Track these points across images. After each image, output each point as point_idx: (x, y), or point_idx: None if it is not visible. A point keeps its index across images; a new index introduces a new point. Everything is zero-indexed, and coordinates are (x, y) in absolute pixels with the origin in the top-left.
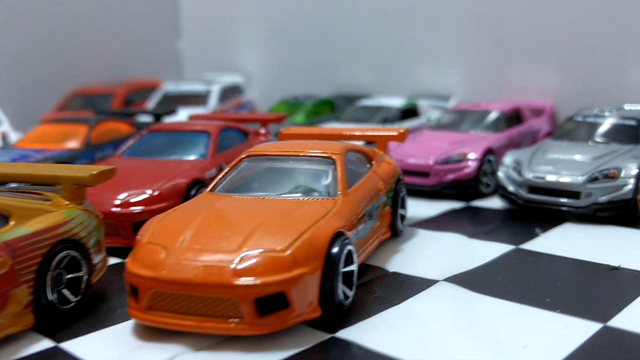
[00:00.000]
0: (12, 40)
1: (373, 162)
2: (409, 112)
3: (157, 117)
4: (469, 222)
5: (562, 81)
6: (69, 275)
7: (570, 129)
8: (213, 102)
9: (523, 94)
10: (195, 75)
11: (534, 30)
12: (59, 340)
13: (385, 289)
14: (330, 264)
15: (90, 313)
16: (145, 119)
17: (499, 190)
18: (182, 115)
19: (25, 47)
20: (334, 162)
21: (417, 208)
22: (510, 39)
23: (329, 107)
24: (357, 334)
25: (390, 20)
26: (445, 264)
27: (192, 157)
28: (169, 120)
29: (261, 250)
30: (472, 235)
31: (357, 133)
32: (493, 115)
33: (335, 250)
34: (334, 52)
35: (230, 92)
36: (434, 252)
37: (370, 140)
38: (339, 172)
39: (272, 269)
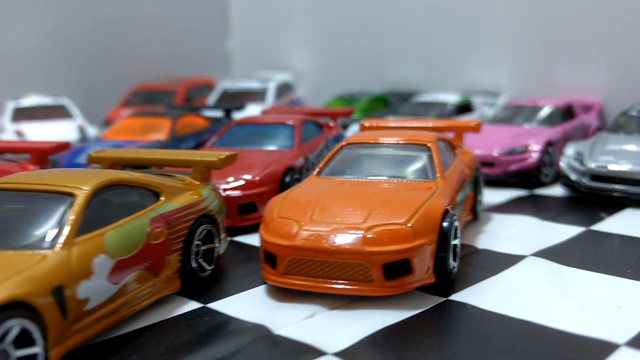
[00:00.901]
0: (78, 42)
1: (456, 151)
2: (464, 107)
3: (227, 112)
4: (537, 207)
5: (610, 78)
6: (205, 247)
7: (625, 123)
8: (270, 98)
9: (571, 90)
10: (246, 73)
11: (581, 29)
12: (205, 302)
13: (480, 263)
14: (442, 236)
15: (224, 280)
16: (210, 113)
17: (561, 179)
18: (252, 110)
19: (89, 48)
20: (429, 149)
21: (486, 195)
22: (558, 38)
23: (383, 103)
24: (467, 297)
25: (440, 18)
26: (526, 241)
27: (280, 147)
28: (237, 115)
29: (386, 222)
30: (543, 218)
31: (436, 124)
32: (548, 111)
33: (446, 224)
34: (384, 50)
35: (283, 90)
36: (514, 232)
37: (448, 131)
38: (435, 157)
39: (398, 239)
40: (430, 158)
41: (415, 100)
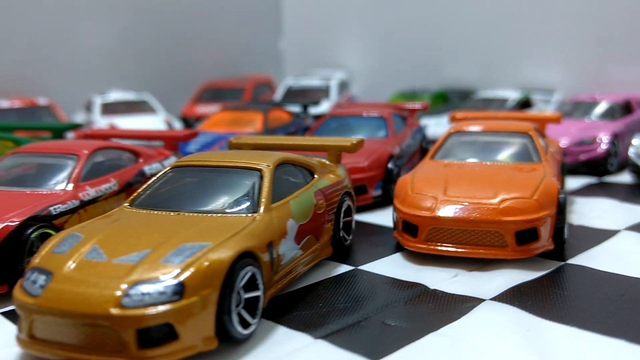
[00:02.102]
0: (147, 42)
1: (546, 140)
2: (524, 104)
3: (305, 107)
4: (611, 192)
5: None
6: (345, 220)
7: None
8: (334, 95)
9: (624, 87)
10: (298, 72)
11: (634, 28)
12: (355, 265)
13: (580, 236)
14: (559, 209)
15: (359, 250)
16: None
17: (629, 167)
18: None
19: (157, 48)
20: (530, 136)
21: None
22: (612, 37)
23: (443, 99)
24: (582, 261)
25: (495, 17)
26: (614, 219)
27: (376, 138)
28: (313, 110)
29: (515, 196)
30: (621, 200)
31: (520, 116)
32: (608, 106)
33: (561, 198)
34: (438, 48)
35: (341, 87)
36: (599, 211)
37: (531, 122)
38: (537, 143)
39: (527, 210)
40: (533, 144)
41: (477, 97)
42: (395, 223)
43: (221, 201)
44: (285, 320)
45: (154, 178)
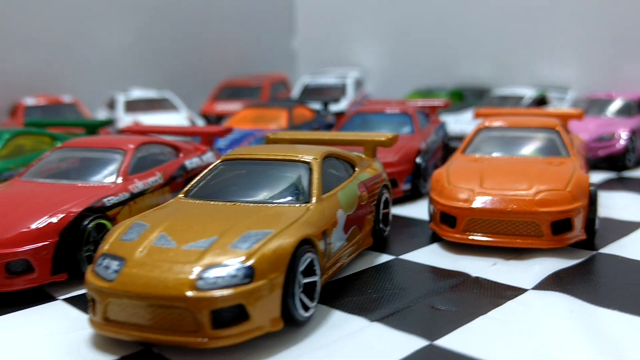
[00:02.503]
0: (164, 42)
1: (570, 135)
2: (540, 101)
3: (325, 104)
4: (632, 186)
5: None
6: (383, 211)
7: None
8: (351, 93)
9: (638, 86)
10: (311, 71)
11: None
12: (396, 255)
13: (607, 227)
14: (591, 201)
15: (396, 241)
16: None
17: None
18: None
19: (174, 47)
20: (557, 132)
21: None
22: (626, 36)
23: (459, 97)
24: (614, 250)
25: (510, 16)
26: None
27: (402, 134)
28: (333, 107)
29: (549, 188)
30: None
31: (543, 113)
32: (624, 103)
33: (592, 190)
34: (452, 46)
35: (357, 85)
36: (623, 204)
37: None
38: (564, 138)
39: (561, 201)
40: (561, 138)
41: (493, 94)
42: (431, 215)
43: (274, 192)
44: (339, 305)
45: (206, 171)
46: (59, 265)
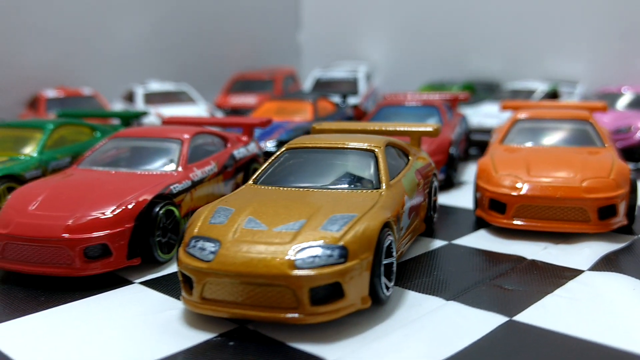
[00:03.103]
0: (173, 37)
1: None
2: (552, 95)
3: (344, 96)
4: None
5: None
6: (433, 198)
7: None
8: (363, 86)
9: None
10: (317, 64)
11: None
12: (449, 240)
13: None
14: (633, 188)
15: (442, 227)
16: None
17: None
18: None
19: (184, 42)
20: (591, 123)
21: None
22: (636, 31)
23: (471, 91)
24: None
25: (520, 10)
26: None
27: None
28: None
29: (594, 175)
30: None
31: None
32: (638, 97)
33: (633, 178)
34: (461, 40)
35: (367, 79)
36: None
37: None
38: (598, 129)
39: (607, 188)
40: (595, 129)
41: (506, 88)
42: (477, 201)
43: (343, 179)
44: (411, 286)
45: (271, 159)
46: (133, 250)
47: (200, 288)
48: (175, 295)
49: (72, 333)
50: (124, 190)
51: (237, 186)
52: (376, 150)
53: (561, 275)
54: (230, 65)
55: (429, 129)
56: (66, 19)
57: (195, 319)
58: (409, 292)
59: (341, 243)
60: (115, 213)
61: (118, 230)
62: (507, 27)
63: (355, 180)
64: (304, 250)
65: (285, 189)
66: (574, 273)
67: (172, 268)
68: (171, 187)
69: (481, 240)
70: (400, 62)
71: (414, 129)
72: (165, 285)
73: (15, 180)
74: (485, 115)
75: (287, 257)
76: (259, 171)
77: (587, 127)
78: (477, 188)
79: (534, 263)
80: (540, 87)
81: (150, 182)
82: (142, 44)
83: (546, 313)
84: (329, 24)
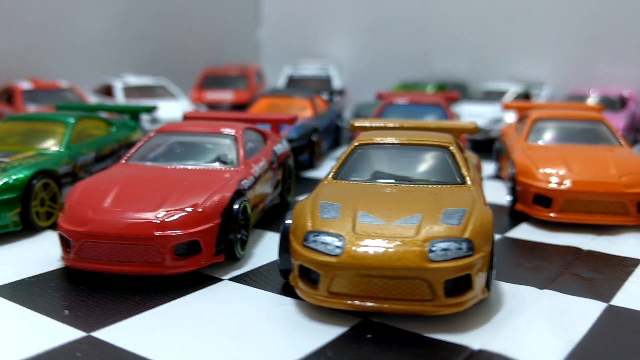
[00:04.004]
0: (139, 30)
1: None
2: (525, 96)
3: (331, 94)
4: None
5: None
6: None
7: None
8: (337, 84)
9: (609, 83)
10: (277, 61)
11: (619, 30)
12: (500, 233)
13: None
14: None
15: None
16: None
17: None
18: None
19: (144, 35)
20: (605, 123)
21: None
22: (599, 36)
23: (442, 90)
24: None
25: (486, 11)
26: None
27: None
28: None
29: (629, 172)
30: None
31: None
32: (609, 100)
33: None
34: (428, 41)
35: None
36: None
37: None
38: (613, 130)
39: None
40: (609, 129)
41: (481, 89)
42: (517, 197)
43: (426, 174)
44: (497, 276)
45: (344, 155)
46: (217, 247)
47: (327, 282)
48: (275, 289)
49: (194, 329)
50: (202, 186)
51: (278, 183)
52: (450, 147)
53: (624, 263)
54: (192, 60)
55: (470, 126)
56: (30, 8)
57: (316, 313)
58: (500, 283)
59: (466, 236)
60: (203, 209)
61: (208, 226)
62: (473, 28)
63: (439, 176)
64: (435, 244)
65: (369, 183)
66: (633, 261)
67: (252, 263)
68: (242, 182)
69: (528, 233)
70: (363, 61)
71: (453, 126)
72: (257, 281)
73: (49, 175)
74: (466, 114)
75: (419, 250)
76: (336, 167)
77: (602, 127)
78: (518, 183)
79: (591, 253)
80: (513, 88)
81: (221, 178)
82: (106, 36)
83: (630, 297)
84: (289, 20)
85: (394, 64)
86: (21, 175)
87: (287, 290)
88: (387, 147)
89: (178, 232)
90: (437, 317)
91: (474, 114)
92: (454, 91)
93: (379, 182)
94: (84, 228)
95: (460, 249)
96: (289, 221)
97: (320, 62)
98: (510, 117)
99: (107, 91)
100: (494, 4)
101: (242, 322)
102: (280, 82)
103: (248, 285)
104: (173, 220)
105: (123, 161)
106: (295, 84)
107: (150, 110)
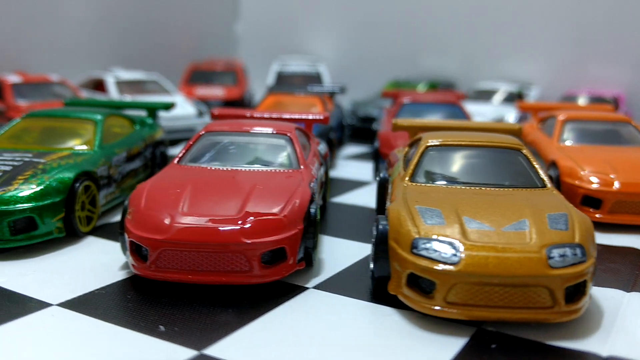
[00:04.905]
0: (118, 24)
1: None
2: (518, 96)
3: (332, 93)
4: None
5: (633, 74)
6: None
7: None
8: (327, 80)
9: (598, 84)
10: (255, 57)
11: (607, 33)
12: None
13: None
14: None
15: None
16: None
17: None
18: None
19: (132, 29)
20: (633, 125)
21: None
22: (590, 39)
23: (434, 89)
24: None
25: (476, 11)
26: None
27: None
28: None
29: None
30: None
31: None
32: (604, 100)
33: None
34: (417, 40)
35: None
36: None
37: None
38: (638, 127)
39: None
40: (636, 129)
41: (477, 88)
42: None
43: (505, 176)
44: None
45: (417, 156)
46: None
47: (444, 291)
48: (366, 297)
49: (306, 343)
50: (277, 190)
51: (323, 184)
52: (523, 149)
53: None
54: (173, 54)
55: (515, 127)
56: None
57: (426, 323)
58: None
59: (577, 241)
60: (286, 214)
61: (293, 232)
62: (462, 28)
63: (517, 179)
64: (553, 250)
65: (460, 187)
66: None
67: (327, 270)
68: (311, 185)
69: None
70: (350, 59)
71: (499, 126)
72: (343, 289)
73: (89, 177)
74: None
75: (540, 257)
76: (411, 169)
77: (629, 128)
78: (562, 185)
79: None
80: (510, 88)
81: (291, 180)
82: (84, 29)
83: None
84: (269, 15)
85: (381, 63)
86: (65, 177)
87: (380, 298)
88: (458, 148)
89: (267, 239)
90: (547, 324)
91: (475, 113)
92: (446, 90)
93: (462, 186)
94: (164, 235)
95: (575, 254)
96: (381, 226)
97: (305, 58)
98: (511, 117)
99: (96, 86)
100: (483, 4)
101: (355, 333)
102: (270, 79)
103: (336, 293)
104: (260, 226)
105: (175, 162)
106: (285, 81)
107: (169, 107)
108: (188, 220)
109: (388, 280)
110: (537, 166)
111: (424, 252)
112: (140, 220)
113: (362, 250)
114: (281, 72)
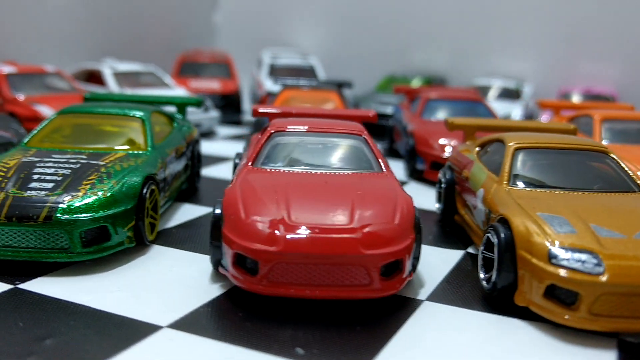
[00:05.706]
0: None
1: None
2: (516, 92)
3: (340, 87)
4: None
5: (625, 72)
6: None
7: None
8: (321, 74)
9: (589, 82)
10: (233, 48)
11: (598, 31)
12: None
13: None
14: None
15: None
16: None
17: None
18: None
19: (112, 19)
20: None
21: None
22: (582, 36)
23: (428, 85)
24: None
25: (466, 6)
26: None
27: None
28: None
29: None
30: None
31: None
32: (602, 97)
33: None
34: (406, 34)
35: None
36: None
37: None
38: None
39: None
40: None
41: (474, 84)
42: None
43: (601, 180)
44: None
45: (508, 159)
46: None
47: (589, 302)
48: (486, 309)
49: None
50: (379, 195)
51: None
52: (612, 154)
53: None
54: (150, 44)
55: (569, 127)
56: None
57: (564, 335)
58: None
59: None
60: (399, 222)
61: (409, 242)
62: (453, 24)
63: (612, 181)
64: None
65: (564, 192)
66: None
67: (424, 279)
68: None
69: None
70: (338, 52)
71: (552, 126)
72: (457, 301)
73: (153, 181)
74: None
75: None
76: (507, 173)
77: None
78: None
79: None
80: (509, 84)
81: (388, 185)
82: (68, 20)
83: None
84: (250, 3)
85: (369, 58)
86: (134, 182)
87: (500, 309)
88: (546, 150)
89: (386, 250)
90: None
91: None
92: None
93: (565, 191)
94: (278, 247)
95: None
96: (505, 235)
97: (291, 51)
98: (517, 114)
99: (89, 77)
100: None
101: (494, 350)
102: (263, 72)
103: (450, 305)
104: (377, 236)
105: (250, 165)
106: (279, 73)
107: (200, 103)
108: (301, 231)
109: (509, 290)
110: (627, 170)
111: (564, 263)
112: (245, 230)
113: (448, 256)
114: (273, 64)
